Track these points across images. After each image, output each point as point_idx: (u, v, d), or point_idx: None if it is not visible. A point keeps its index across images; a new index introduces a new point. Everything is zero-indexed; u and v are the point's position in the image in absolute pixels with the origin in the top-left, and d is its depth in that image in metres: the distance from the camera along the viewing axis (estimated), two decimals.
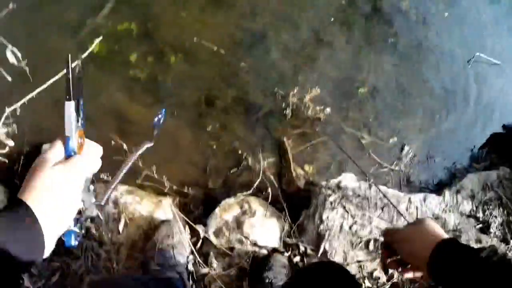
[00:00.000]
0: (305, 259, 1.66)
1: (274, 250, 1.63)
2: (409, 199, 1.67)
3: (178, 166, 1.81)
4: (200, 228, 1.69)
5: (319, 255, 1.64)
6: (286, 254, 1.63)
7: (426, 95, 2.04)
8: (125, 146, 1.68)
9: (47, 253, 0.58)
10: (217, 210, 1.72)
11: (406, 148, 1.94)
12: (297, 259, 1.65)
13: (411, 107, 2.00)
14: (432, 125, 2.01)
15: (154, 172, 1.72)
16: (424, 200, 1.70)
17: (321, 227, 1.68)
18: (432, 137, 1.99)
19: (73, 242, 0.64)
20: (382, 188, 1.66)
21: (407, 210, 1.64)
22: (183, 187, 1.77)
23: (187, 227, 1.73)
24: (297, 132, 1.90)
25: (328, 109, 1.91)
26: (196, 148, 1.83)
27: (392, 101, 2.00)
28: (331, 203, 1.71)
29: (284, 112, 1.91)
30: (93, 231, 1.62)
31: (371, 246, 1.63)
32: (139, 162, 1.67)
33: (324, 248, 1.61)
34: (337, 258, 1.64)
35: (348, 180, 1.74)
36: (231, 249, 1.63)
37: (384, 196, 1.64)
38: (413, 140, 1.96)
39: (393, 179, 1.87)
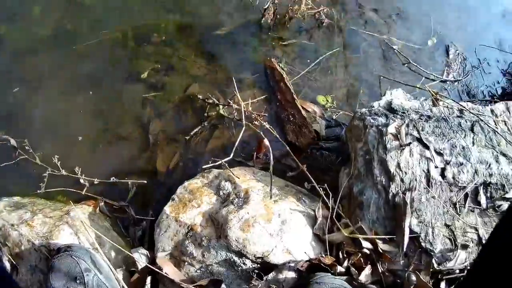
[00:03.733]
0: (380, 267, 0.84)
1: (311, 266, 0.85)
2: (492, 110, 1.15)
3: (104, 144, 1.25)
4: (138, 255, 0.88)
5: (404, 249, 0.84)
6: (341, 268, 0.83)
7: None
8: None
9: None
10: (167, 208, 0.94)
11: (452, 50, 1.47)
12: (365, 274, 0.84)
13: None
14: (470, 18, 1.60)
15: (60, 166, 1.15)
16: (508, 109, 1.18)
17: (393, 188, 0.89)
18: (475, 33, 1.56)
19: None
20: (450, 101, 1.17)
21: (496, 124, 1.12)
22: (109, 183, 1.16)
23: (116, 257, 0.92)
24: (289, 47, 1.33)
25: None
26: (129, 109, 1.26)
27: None
28: (394, 136, 0.95)
29: (262, 21, 1.32)
30: None
31: (482, 200, 0.93)
32: (36, 159, 1.19)
33: (411, 230, 0.87)
34: (439, 245, 0.87)
35: (400, 97, 1.12)
36: (215, 284, 0.82)
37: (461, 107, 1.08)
38: (455, 40, 1.52)
39: (450, 94, 1.37)
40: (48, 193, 1.17)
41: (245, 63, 1.27)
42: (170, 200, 0.94)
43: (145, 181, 1.13)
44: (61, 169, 1.13)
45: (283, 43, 1.28)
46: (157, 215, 1.02)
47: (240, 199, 0.85)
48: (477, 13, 1.57)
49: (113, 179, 1.14)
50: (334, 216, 0.91)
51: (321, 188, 0.90)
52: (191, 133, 1.15)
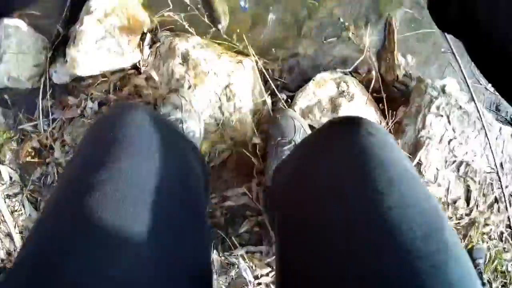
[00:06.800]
0: None
1: None
2: (500, 129, 1.46)
3: (264, 23, 1.46)
4: (283, 95, 1.40)
5: (413, 164, 1.39)
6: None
7: None
8: None
9: None
10: (310, 84, 1.40)
11: None
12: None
13: None
14: None
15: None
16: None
17: (423, 132, 1.41)
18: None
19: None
20: (481, 107, 1.46)
21: (496, 139, 1.45)
22: (268, 49, 1.44)
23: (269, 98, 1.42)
24: (407, 15, 1.57)
25: None
26: (290, 5, 1.45)
27: None
28: (437, 107, 1.42)
29: None
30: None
31: (461, 171, 1.43)
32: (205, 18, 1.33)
33: (420, 159, 1.40)
34: (428, 174, 1.41)
35: (452, 86, 1.50)
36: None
37: (480, 118, 1.44)
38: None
39: (485, 101, 1.61)
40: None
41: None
42: (311, 80, 1.40)
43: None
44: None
45: None
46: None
47: (350, 96, 1.39)
48: None
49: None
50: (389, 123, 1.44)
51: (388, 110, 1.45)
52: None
